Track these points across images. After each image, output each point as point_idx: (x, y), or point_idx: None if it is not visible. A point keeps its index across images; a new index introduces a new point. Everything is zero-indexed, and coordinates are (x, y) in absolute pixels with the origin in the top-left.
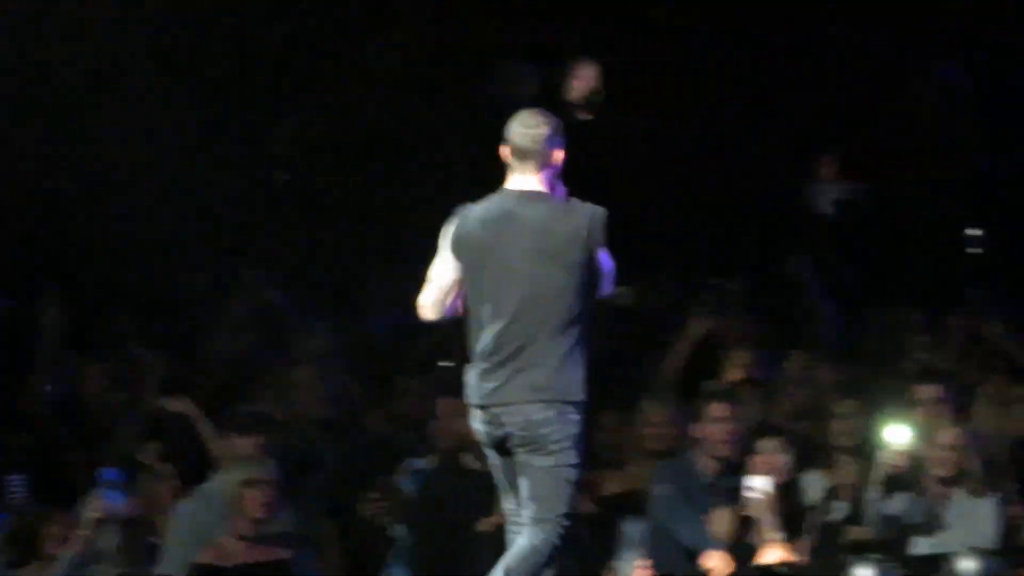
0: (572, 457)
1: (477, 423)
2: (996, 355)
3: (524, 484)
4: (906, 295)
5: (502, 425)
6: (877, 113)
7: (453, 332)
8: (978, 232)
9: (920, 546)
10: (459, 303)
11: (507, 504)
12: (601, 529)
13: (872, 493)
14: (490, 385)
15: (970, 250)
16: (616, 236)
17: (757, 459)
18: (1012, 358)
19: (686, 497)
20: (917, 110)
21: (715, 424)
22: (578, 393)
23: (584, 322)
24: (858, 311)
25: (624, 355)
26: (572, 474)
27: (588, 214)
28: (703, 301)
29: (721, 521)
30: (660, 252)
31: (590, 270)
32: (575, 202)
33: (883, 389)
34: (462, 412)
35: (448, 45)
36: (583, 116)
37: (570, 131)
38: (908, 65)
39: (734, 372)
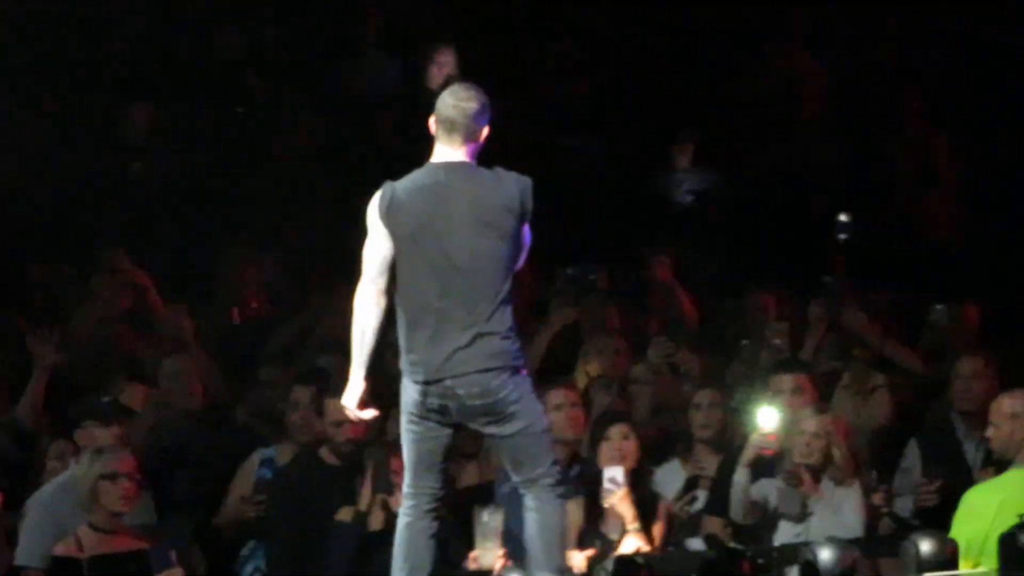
0: (534, 412)
1: (419, 396)
2: (856, 343)
3: (503, 455)
4: (766, 283)
5: (456, 396)
6: (730, 100)
7: (314, 322)
8: (847, 218)
9: (782, 535)
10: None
11: (419, 481)
12: (461, 519)
13: (740, 477)
14: (439, 358)
15: (840, 236)
16: None
17: (605, 446)
18: (872, 346)
19: None
20: (766, 96)
21: (555, 412)
22: (522, 358)
23: (512, 291)
24: (718, 299)
25: None
26: (540, 426)
27: (519, 184)
28: (563, 290)
29: (571, 513)
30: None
31: (519, 240)
32: (501, 171)
33: (742, 378)
34: (328, 416)
35: (305, 34)
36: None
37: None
38: (757, 51)
39: (595, 361)
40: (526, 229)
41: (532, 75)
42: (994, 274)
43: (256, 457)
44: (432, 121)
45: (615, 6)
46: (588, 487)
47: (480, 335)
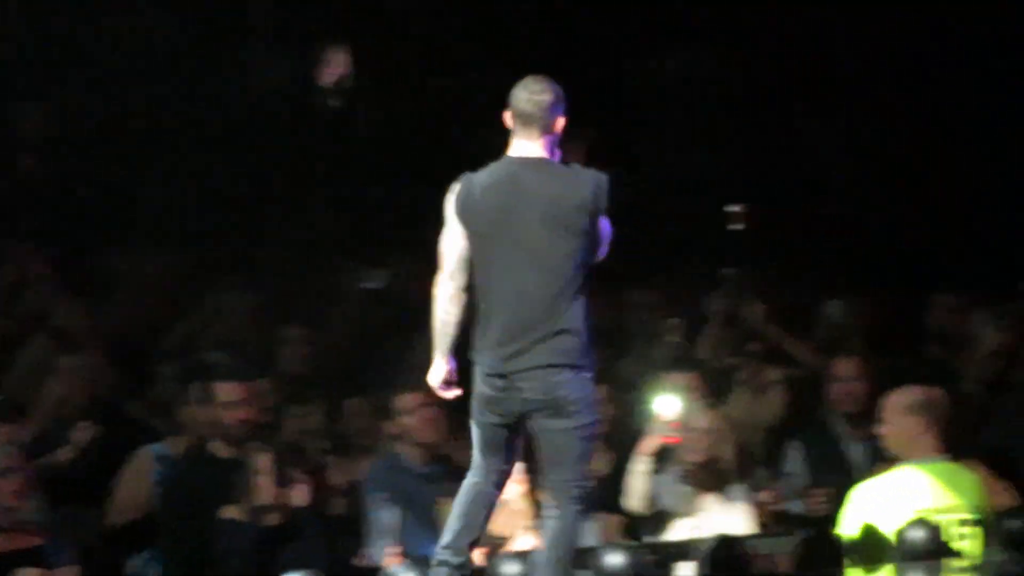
0: (590, 416)
1: (485, 387)
2: (753, 338)
3: (544, 448)
4: (665, 277)
5: (520, 391)
6: (624, 99)
7: (210, 319)
8: (738, 208)
9: (674, 531)
10: None
11: (486, 460)
12: (351, 516)
13: (640, 465)
14: (508, 352)
15: (731, 227)
16: (371, 219)
17: None
18: (770, 341)
19: (403, 496)
20: (660, 94)
21: (407, 416)
22: (589, 356)
23: (587, 287)
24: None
25: (373, 340)
26: (590, 431)
27: (594, 180)
28: None
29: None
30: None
31: (594, 236)
32: (577, 168)
33: (637, 374)
34: (218, 398)
35: (193, 28)
36: (334, 102)
37: (322, 118)
38: (647, 49)
39: None
40: (604, 223)
41: (425, 72)
42: (889, 269)
43: (146, 453)
44: (507, 116)
45: (513, 5)
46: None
47: (548, 333)
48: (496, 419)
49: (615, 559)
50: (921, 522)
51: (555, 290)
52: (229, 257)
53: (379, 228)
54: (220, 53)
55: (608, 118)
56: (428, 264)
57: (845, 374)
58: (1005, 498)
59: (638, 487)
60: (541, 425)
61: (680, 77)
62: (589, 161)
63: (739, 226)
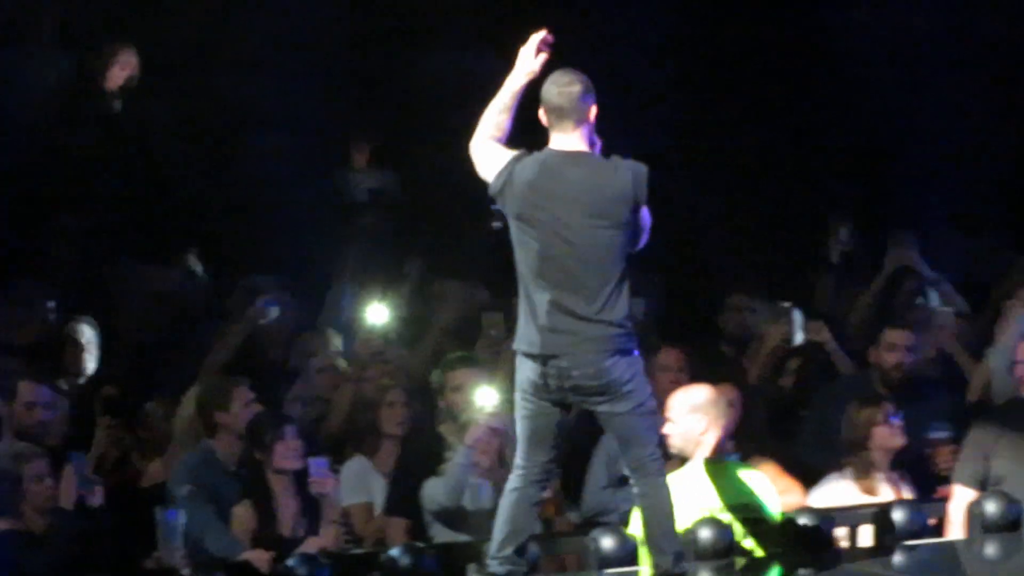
0: (644, 393)
1: (533, 375)
2: None
3: (615, 433)
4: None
5: (570, 377)
6: (406, 99)
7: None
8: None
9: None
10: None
11: (531, 456)
12: (143, 518)
13: (462, 458)
14: (557, 339)
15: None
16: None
17: (278, 446)
18: None
19: (210, 492)
20: (440, 95)
21: (245, 408)
22: (635, 340)
23: (627, 274)
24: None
25: (168, 341)
26: (649, 407)
27: (633, 171)
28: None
29: (243, 516)
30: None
31: (635, 226)
32: (616, 159)
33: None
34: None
35: None
36: (118, 104)
37: (106, 120)
38: (433, 49)
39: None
40: (644, 213)
41: (215, 72)
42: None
43: None
44: (541, 113)
45: (298, 3)
46: (257, 487)
47: (594, 320)
48: (544, 405)
49: (403, 558)
50: (709, 521)
51: (598, 279)
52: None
53: (166, 227)
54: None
55: (394, 118)
56: (218, 263)
57: (667, 364)
58: (795, 497)
59: (456, 477)
60: (603, 411)
61: (459, 76)
62: (372, 161)
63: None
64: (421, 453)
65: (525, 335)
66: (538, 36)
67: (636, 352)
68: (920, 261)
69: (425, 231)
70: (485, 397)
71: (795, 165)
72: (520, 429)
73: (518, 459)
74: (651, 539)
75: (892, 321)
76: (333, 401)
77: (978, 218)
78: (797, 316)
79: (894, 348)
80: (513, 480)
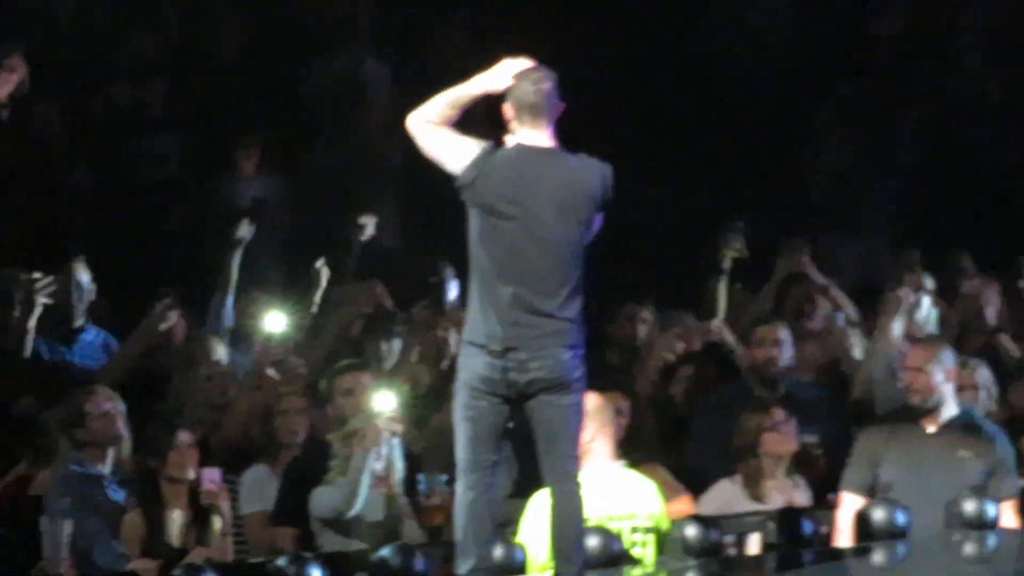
0: (583, 395)
1: (486, 369)
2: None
3: (545, 425)
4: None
5: (527, 370)
6: (295, 104)
7: None
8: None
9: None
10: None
11: (479, 456)
12: (29, 528)
13: (360, 462)
14: (519, 332)
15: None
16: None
17: (171, 455)
18: None
19: (92, 503)
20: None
21: (99, 420)
22: (583, 338)
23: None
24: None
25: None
26: (583, 410)
27: (602, 172)
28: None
29: (132, 523)
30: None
31: (592, 225)
32: (585, 157)
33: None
34: None
35: None
36: (5, 113)
37: None
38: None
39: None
40: (599, 216)
41: (105, 77)
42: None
43: None
44: (509, 108)
45: (190, 6)
46: (149, 495)
47: (555, 317)
48: (495, 401)
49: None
50: (598, 529)
51: (562, 276)
52: None
53: (52, 235)
54: None
55: (280, 123)
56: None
57: None
58: (684, 505)
59: (356, 481)
60: (545, 403)
61: (351, 83)
62: (261, 168)
63: (370, 235)
64: (308, 461)
65: (482, 328)
66: (523, 61)
67: (583, 352)
68: (812, 267)
69: (320, 236)
70: (383, 401)
71: (687, 171)
72: (465, 431)
73: (464, 465)
74: (560, 546)
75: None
76: (228, 410)
77: (871, 223)
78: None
79: (764, 343)
80: (468, 488)
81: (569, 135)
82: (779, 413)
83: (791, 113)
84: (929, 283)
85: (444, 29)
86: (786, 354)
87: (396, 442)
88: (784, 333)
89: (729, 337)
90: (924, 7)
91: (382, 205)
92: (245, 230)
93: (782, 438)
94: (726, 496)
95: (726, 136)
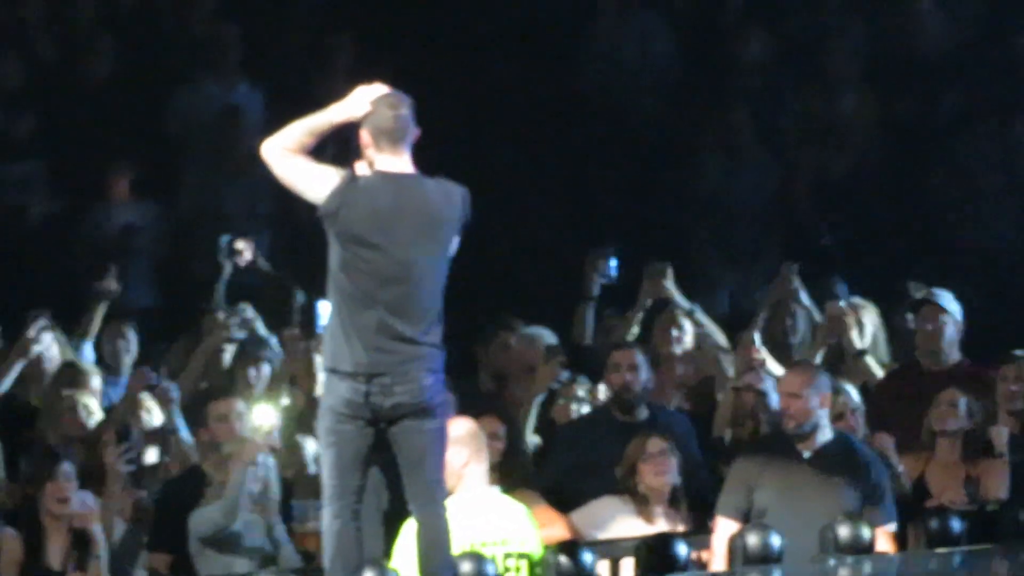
0: (447, 415)
1: (350, 393)
2: None
3: (408, 451)
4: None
5: (392, 394)
6: (165, 130)
7: None
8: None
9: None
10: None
11: (345, 481)
12: None
13: (239, 476)
14: (384, 358)
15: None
16: None
17: (50, 485)
18: None
19: None
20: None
21: None
22: (443, 361)
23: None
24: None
25: None
26: (445, 435)
27: (462, 196)
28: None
29: (10, 546)
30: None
31: (451, 247)
32: (444, 182)
33: None
34: None
35: None
36: None
37: None
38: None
39: None
40: (457, 239)
41: None
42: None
43: None
44: (366, 134)
45: (59, 32)
46: (27, 520)
47: (419, 343)
48: (360, 425)
49: None
50: (471, 555)
51: (426, 302)
52: None
53: None
54: None
55: (150, 151)
56: None
57: None
58: (557, 530)
59: (233, 498)
60: (408, 428)
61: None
62: (132, 193)
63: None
64: (182, 486)
65: (345, 354)
66: (378, 88)
67: (443, 377)
68: (675, 291)
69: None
70: (262, 416)
71: (556, 195)
72: (331, 457)
73: (330, 492)
74: (428, 571)
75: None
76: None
77: (747, 249)
78: None
79: (619, 368)
80: (335, 516)
81: (444, 161)
82: (655, 443)
83: (665, 138)
84: (804, 298)
85: (319, 54)
86: (642, 378)
87: (272, 462)
88: (640, 357)
89: None
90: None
91: (255, 229)
92: (112, 285)
93: (656, 470)
94: (611, 511)
95: (599, 160)
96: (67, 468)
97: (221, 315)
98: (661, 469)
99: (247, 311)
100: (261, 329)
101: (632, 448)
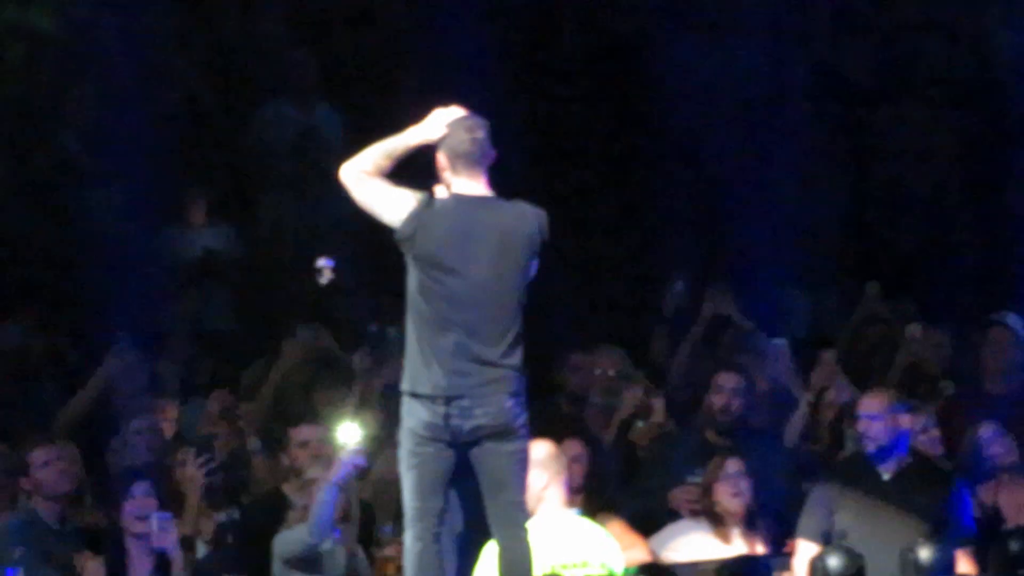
0: (528, 438)
1: (430, 416)
2: None
3: (490, 473)
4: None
5: (471, 417)
6: (239, 154)
7: None
8: (328, 263)
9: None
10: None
11: (427, 503)
12: None
13: (327, 495)
14: (462, 380)
15: (323, 281)
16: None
17: (127, 504)
18: None
19: (42, 553)
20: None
21: (43, 470)
22: (525, 383)
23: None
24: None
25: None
26: (527, 457)
27: (538, 217)
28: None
29: (92, 571)
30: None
31: (530, 271)
32: (520, 203)
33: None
34: None
35: None
36: None
37: None
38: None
39: None
40: (535, 261)
41: (50, 128)
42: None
43: None
44: (443, 158)
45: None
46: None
47: (498, 364)
48: (440, 447)
49: None
50: None
51: (504, 324)
52: None
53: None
54: None
55: (228, 172)
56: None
57: None
58: (638, 553)
59: (326, 514)
60: (489, 450)
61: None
62: (209, 217)
63: (331, 279)
64: (265, 510)
65: (424, 377)
66: (455, 111)
67: (524, 399)
68: (735, 310)
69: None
70: (348, 433)
71: (631, 220)
72: (412, 479)
73: (412, 514)
74: None
75: (722, 364)
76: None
77: (820, 275)
78: None
79: (721, 391)
80: (417, 538)
81: (521, 185)
82: (731, 465)
83: (739, 165)
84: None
85: (395, 77)
86: (742, 401)
87: (354, 484)
88: (739, 382)
89: None
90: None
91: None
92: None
93: (731, 491)
94: (688, 535)
95: (676, 185)
96: (143, 486)
97: (299, 337)
98: (736, 490)
99: (323, 333)
100: (336, 351)
101: (711, 468)
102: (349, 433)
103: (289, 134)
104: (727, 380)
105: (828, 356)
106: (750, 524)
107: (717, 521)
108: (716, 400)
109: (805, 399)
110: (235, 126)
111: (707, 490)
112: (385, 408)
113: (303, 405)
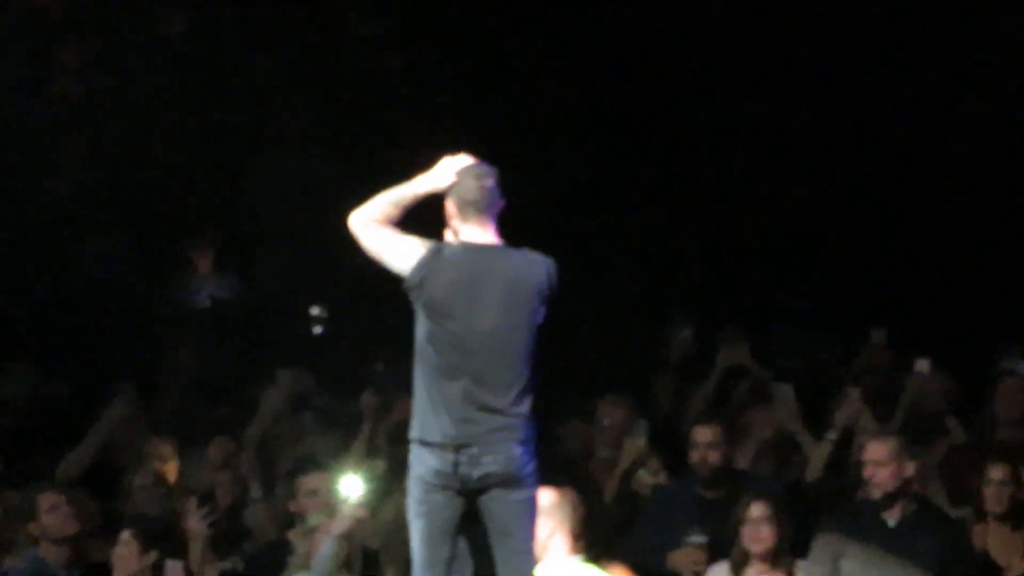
0: (536, 488)
1: (439, 464)
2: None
3: (498, 521)
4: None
5: (480, 465)
6: (240, 204)
7: None
8: (321, 311)
9: None
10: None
11: (437, 552)
12: None
13: (330, 549)
14: (471, 428)
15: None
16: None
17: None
18: None
19: None
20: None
21: (50, 514)
22: (534, 431)
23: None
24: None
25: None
26: (537, 502)
27: (547, 266)
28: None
29: None
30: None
31: (538, 318)
32: (528, 252)
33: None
34: None
35: None
36: None
37: None
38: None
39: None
40: (543, 309)
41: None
42: None
43: None
44: (451, 205)
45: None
46: None
47: (507, 412)
48: (449, 495)
49: None
50: None
51: (512, 373)
52: None
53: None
54: None
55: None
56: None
57: None
58: None
59: (327, 568)
60: (497, 498)
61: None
62: (216, 264)
63: (320, 328)
64: (268, 557)
65: (432, 425)
66: (463, 158)
67: (534, 447)
68: (750, 358)
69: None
70: (351, 487)
71: (635, 265)
72: (421, 527)
73: (420, 562)
74: None
75: (700, 418)
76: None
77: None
78: None
79: (696, 446)
80: None
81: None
82: (757, 509)
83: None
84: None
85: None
86: (721, 453)
87: (356, 535)
88: (716, 435)
89: None
90: None
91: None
92: None
93: (753, 536)
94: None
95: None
96: (127, 535)
97: (279, 381)
98: (757, 536)
99: (302, 378)
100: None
101: (738, 509)
102: (351, 486)
103: (291, 184)
104: (702, 435)
105: (854, 394)
106: (776, 565)
107: (740, 559)
108: (692, 455)
109: (828, 438)
110: (238, 175)
111: (733, 531)
112: (393, 451)
113: (289, 452)
